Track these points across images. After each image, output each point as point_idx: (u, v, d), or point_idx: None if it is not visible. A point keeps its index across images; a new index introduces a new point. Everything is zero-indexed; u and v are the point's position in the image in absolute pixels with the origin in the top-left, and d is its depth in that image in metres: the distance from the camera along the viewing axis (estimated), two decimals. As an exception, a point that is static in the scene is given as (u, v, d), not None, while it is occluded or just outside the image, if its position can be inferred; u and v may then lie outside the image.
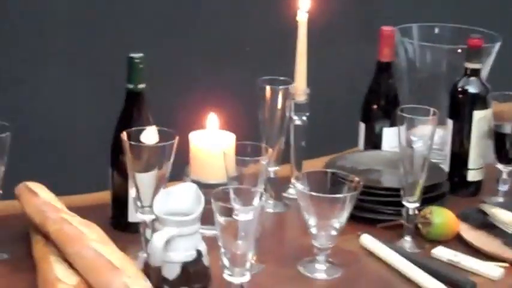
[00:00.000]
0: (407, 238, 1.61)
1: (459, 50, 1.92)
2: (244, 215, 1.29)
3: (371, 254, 1.57)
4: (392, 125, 1.86)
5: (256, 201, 1.33)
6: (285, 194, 1.79)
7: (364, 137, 1.91)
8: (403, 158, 1.58)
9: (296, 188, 1.49)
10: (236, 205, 1.31)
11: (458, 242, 1.61)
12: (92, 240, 1.37)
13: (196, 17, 2.24)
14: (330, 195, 1.46)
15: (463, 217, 1.66)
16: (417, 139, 1.57)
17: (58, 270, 1.36)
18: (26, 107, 2.06)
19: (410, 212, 1.60)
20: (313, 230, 1.49)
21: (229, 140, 1.59)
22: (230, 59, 2.19)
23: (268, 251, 1.54)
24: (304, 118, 1.79)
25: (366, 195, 1.66)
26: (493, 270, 1.51)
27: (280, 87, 1.70)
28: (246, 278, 1.30)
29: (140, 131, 1.49)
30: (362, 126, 1.91)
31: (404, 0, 2.45)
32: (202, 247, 1.35)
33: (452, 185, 1.81)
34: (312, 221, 1.48)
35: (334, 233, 1.48)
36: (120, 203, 1.60)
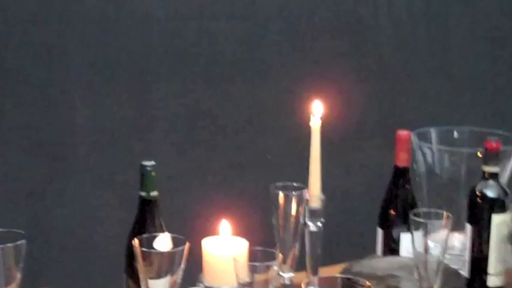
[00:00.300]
0: None
1: (479, 154, 1.92)
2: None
3: None
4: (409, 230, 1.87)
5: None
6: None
7: (382, 243, 1.91)
8: (418, 263, 1.57)
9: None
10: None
11: None
12: None
13: (209, 124, 2.29)
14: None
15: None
16: (432, 244, 1.57)
17: None
18: (46, 217, 2.09)
19: (428, 322, 1.58)
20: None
21: (242, 246, 1.60)
22: (244, 165, 2.21)
23: None
24: (319, 224, 1.79)
25: (384, 301, 1.65)
26: None
27: (294, 193, 1.71)
28: None
29: (152, 238, 1.50)
30: (380, 232, 1.91)
31: (424, 103, 2.49)
32: None
33: (473, 291, 1.80)
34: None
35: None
36: (134, 309, 1.60)
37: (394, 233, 1.89)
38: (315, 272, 1.80)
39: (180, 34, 2.34)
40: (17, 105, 2.27)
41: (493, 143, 1.80)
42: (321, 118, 1.76)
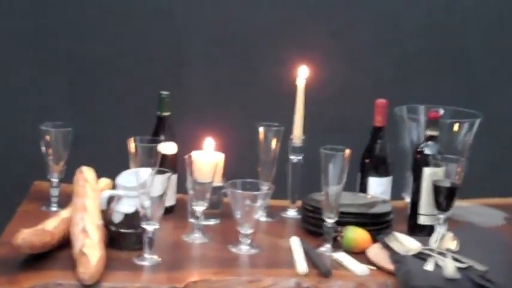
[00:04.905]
0: (327, 245, 2.15)
1: (456, 127, 2.40)
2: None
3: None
4: (378, 175, 2.41)
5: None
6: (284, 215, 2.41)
7: (359, 184, 2.46)
8: (323, 189, 2.14)
9: (228, 190, 2.11)
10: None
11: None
12: (88, 196, 2.12)
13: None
14: (246, 192, 2.08)
15: (379, 239, 2.16)
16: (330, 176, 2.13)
17: (66, 211, 2.12)
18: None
19: (329, 226, 2.14)
20: (239, 220, 2.10)
21: (217, 157, 2.26)
22: (241, 115, 2.99)
23: (219, 234, 2.20)
24: (300, 158, 2.39)
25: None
26: (360, 269, 2.02)
27: (272, 129, 2.33)
28: (156, 226, 1.99)
29: (153, 141, 2.22)
30: (358, 176, 2.46)
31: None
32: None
33: (409, 227, 2.30)
34: (237, 213, 2.09)
35: (253, 222, 2.09)
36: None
37: (366, 177, 2.43)
38: (294, 199, 2.41)
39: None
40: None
41: (433, 113, 2.29)
42: (306, 80, 2.38)
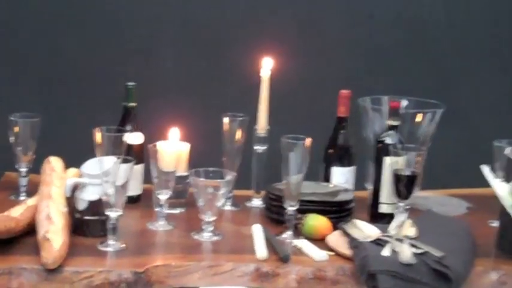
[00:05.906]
0: (288, 232, 2.19)
1: (418, 117, 2.45)
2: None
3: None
4: (340, 165, 2.46)
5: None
6: (248, 204, 2.45)
7: (324, 174, 2.50)
8: (284, 177, 2.18)
9: (191, 179, 2.15)
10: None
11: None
12: (54, 185, 2.16)
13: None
14: (208, 180, 2.12)
15: (339, 226, 2.21)
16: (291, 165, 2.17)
17: (32, 199, 2.16)
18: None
19: (290, 213, 2.19)
20: (202, 208, 2.14)
21: (181, 146, 2.30)
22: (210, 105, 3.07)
23: (184, 221, 2.24)
24: (264, 147, 2.44)
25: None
26: (318, 255, 2.07)
27: (237, 119, 2.38)
28: (119, 213, 2.04)
29: (119, 131, 2.26)
30: (323, 166, 2.51)
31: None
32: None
33: (371, 216, 2.35)
34: (200, 201, 2.14)
35: (215, 210, 2.13)
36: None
37: (330, 167, 2.48)
38: (258, 188, 2.46)
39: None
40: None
41: (394, 103, 2.34)
42: (271, 71, 2.42)
